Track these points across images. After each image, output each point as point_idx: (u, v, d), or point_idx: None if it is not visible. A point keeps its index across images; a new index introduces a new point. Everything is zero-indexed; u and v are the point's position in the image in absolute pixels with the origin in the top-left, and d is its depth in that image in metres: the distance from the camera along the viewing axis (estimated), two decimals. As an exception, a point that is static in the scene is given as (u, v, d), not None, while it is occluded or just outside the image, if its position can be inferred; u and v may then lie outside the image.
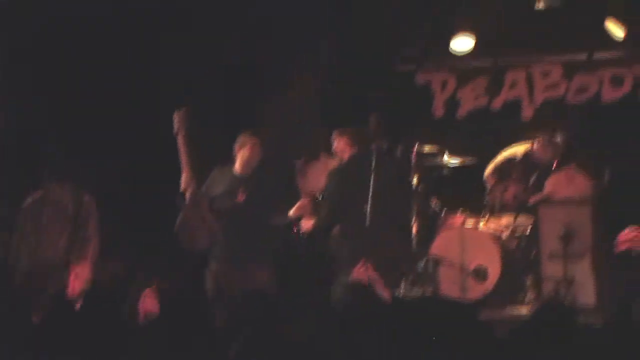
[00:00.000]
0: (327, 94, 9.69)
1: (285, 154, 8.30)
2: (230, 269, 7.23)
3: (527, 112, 10.25)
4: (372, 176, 6.91)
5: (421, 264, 8.76)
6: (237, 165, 7.37)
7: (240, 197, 7.16)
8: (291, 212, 7.27)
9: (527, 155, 9.06)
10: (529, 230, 8.89)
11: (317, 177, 8.67)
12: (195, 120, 7.01)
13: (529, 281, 8.71)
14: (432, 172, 9.09)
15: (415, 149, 8.69)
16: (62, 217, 6.77)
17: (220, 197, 7.26)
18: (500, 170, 9.18)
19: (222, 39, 9.00)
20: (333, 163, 8.16)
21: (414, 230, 8.69)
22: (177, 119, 7.02)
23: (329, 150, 8.09)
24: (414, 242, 8.64)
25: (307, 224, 7.34)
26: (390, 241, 7.13)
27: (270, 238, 7.35)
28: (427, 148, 8.90)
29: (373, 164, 7.00)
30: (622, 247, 6.35)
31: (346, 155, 7.35)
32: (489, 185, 9.20)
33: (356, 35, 9.66)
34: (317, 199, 8.11)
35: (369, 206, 6.81)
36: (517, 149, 9.17)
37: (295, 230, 7.31)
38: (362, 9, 9.34)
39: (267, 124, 8.59)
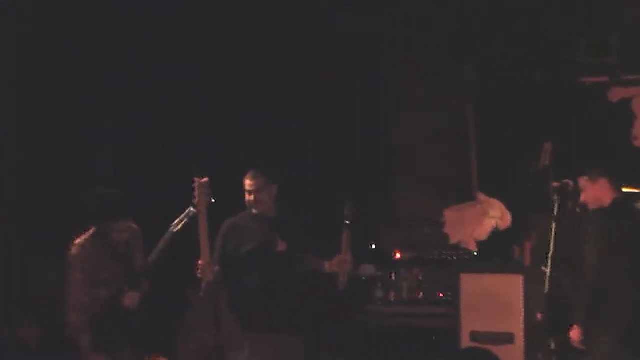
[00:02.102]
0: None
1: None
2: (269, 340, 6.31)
3: None
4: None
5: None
6: (256, 207, 6.48)
7: (281, 246, 6.30)
8: (327, 266, 6.34)
9: None
10: None
11: (471, 225, 8.04)
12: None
13: None
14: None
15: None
16: (116, 255, 6.51)
17: (255, 250, 6.33)
18: None
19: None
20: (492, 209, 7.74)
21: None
22: (198, 188, 6.24)
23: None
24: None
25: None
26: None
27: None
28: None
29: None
30: None
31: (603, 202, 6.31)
32: None
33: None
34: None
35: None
36: None
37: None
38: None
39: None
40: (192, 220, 6.23)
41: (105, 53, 8.14)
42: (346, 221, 6.21)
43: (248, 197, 6.41)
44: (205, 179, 6.23)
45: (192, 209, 6.22)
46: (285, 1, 8.25)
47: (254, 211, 6.39)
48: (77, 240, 6.48)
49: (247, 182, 6.40)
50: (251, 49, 8.27)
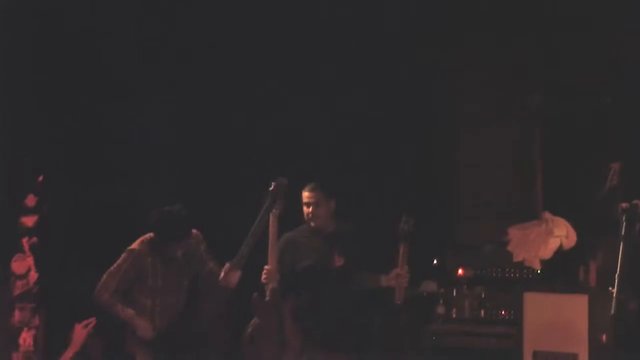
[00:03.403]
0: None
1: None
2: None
3: None
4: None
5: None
6: (314, 221, 6.36)
7: (338, 261, 6.23)
8: (384, 281, 6.26)
9: None
10: None
11: (536, 244, 7.75)
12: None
13: None
14: None
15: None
16: (170, 263, 6.42)
17: (311, 266, 6.26)
18: None
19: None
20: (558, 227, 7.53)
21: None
22: (275, 189, 6.13)
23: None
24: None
25: None
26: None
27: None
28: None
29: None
30: None
31: None
32: None
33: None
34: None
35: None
36: None
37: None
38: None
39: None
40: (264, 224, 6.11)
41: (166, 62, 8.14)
42: (402, 234, 6.09)
43: (307, 210, 6.28)
44: (284, 180, 6.11)
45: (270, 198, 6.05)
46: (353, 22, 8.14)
47: (312, 224, 6.29)
48: (130, 247, 6.40)
49: (305, 195, 6.29)
50: (312, 65, 8.18)
